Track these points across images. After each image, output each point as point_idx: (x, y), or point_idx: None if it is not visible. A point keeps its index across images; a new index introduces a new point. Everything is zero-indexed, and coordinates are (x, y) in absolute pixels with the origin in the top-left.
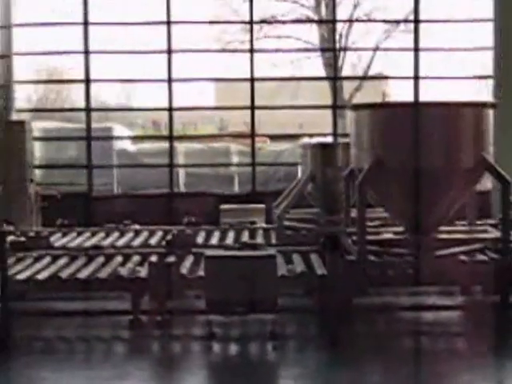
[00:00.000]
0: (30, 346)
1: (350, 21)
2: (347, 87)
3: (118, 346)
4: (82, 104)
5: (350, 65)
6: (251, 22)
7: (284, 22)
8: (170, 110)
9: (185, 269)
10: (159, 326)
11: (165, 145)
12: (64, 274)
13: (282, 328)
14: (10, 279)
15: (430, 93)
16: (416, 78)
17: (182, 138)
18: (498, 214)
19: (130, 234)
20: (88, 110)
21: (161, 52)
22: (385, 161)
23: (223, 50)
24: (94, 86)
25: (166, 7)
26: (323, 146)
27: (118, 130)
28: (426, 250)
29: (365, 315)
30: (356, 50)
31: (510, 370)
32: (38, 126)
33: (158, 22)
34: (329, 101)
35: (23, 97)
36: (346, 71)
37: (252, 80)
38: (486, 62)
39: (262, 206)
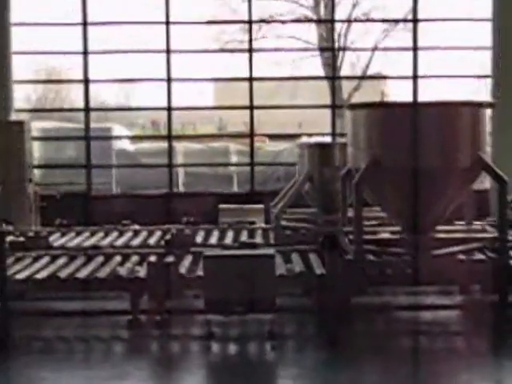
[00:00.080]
0: (29, 345)
1: (349, 20)
2: (346, 87)
3: (117, 345)
4: (81, 104)
5: (348, 64)
6: (250, 22)
7: (283, 22)
8: (169, 109)
9: (184, 268)
10: (158, 325)
11: (164, 144)
12: (63, 274)
13: (281, 328)
14: (9, 279)
15: (429, 92)
16: (415, 77)
17: (181, 137)
18: (496, 214)
19: (129, 234)
20: (87, 109)
21: (160, 52)
22: (382, 160)
23: (222, 50)
24: (93, 86)
25: (164, 7)
26: (320, 145)
27: (117, 129)
28: (423, 249)
29: (363, 315)
30: (355, 49)
31: (508, 369)
32: (37, 126)
33: (157, 22)
34: (328, 100)
35: (22, 97)
36: (344, 71)
37: (251, 80)
38: (484, 62)
39: (261, 205)
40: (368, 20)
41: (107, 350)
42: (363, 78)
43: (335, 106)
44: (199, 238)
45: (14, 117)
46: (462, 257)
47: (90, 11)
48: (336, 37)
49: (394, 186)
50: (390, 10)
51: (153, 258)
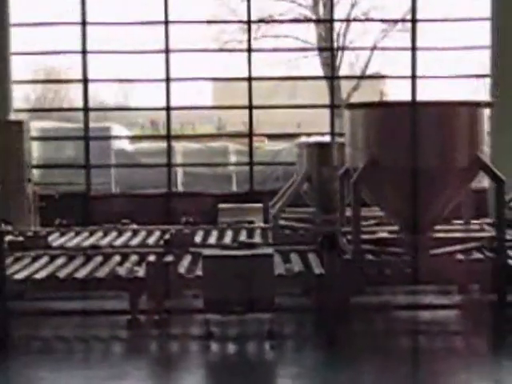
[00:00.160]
0: (28, 345)
1: (348, 20)
2: (345, 86)
3: (116, 345)
4: (80, 103)
5: (347, 64)
6: (249, 22)
7: (282, 22)
8: (168, 109)
9: (183, 268)
10: (157, 325)
11: (163, 144)
12: (62, 274)
13: (280, 327)
14: (8, 279)
15: (428, 92)
16: (413, 77)
17: (180, 137)
18: (494, 213)
19: (128, 234)
20: (86, 109)
21: (159, 52)
22: (379, 160)
23: (221, 50)
24: (92, 86)
25: (163, 7)
26: (319, 145)
27: (116, 129)
28: (421, 248)
29: (362, 314)
30: (354, 49)
31: (507, 368)
32: (36, 126)
33: (156, 22)
34: (327, 100)
35: (21, 96)
36: (343, 70)
37: (250, 79)
38: (483, 61)
39: (260, 205)
40: (367, 20)
41: (106, 349)
42: (362, 77)
43: (334, 106)
44: (198, 238)
45: (13, 117)
46: (459, 256)
47: (88, 11)
48: (335, 36)
49: (391, 186)
50: (388, 10)
51: (152, 258)
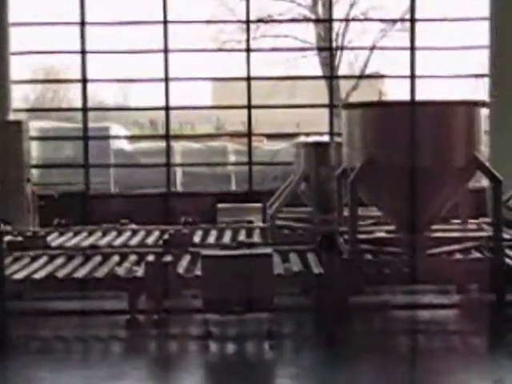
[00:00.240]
0: (28, 345)
1: (347, 20)
2: (344, 86)
3: (115, 345)
4: (79, 103)
5: (346, 64)
6: (248, 22)
7: (281, 21)
8: (167, 109)
9: (182, 268)
10: (156, 325)
11: (162, 144)
12: (61, 274)
13: (279, 327)
14: (7, 279)
15: (427, 91)
16: (412, 76)
17: (179, 137)
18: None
19: (127, 234)
20: (85, 109)
21: (158, 51)
22: (377, 160)
23: (220, 50)
24: (91, 86)
25: (162, 7)
26: (316, 145)
27: (115, 129)
28: (417, 248)
29: (361, 314)
30: (352, 48)
31: (506, 368)
32: (35, 126)
33: (155, 22)
34: (326, 100)
35: (20, 96)
36: (342, 70)
37: (249, 79)
38: (482, 61)
39: (259, 204)
40: (366, 19)
41: (105, 349)
42: (361, 77)
43: (333, 106)
44: (197, 238)
45: (12, 116)
46: (457, 256)
47: (87, 11)
48: (334, 36)
49: (388, 186)
50: (387, 10)
51: (151, 258)
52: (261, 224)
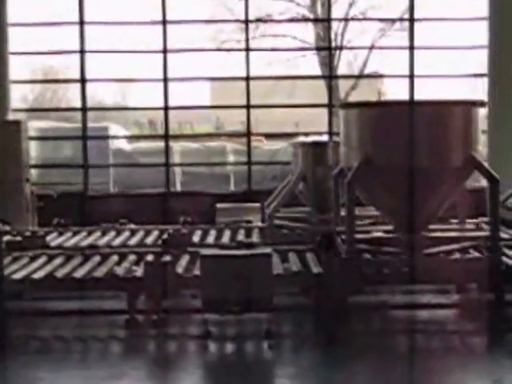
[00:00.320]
0: (27, 345)
1: (346, 19)
2: (343, 86)
3: (114, 345)
4: (78, 103)
5: (345, 63)
6: (247, 21)
7: (279, 21)
8: (166, 109)
9: (181, 268)
10: (155, 325)
11: (161, 144)
12: (60, 274)
13: (278, 327)
14: (6, 279)
15: (426, 91)
16: (411, 76)
17: (178, 137)
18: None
19: (126, 234)
20: (84, 109)
21: (157, 51)
22: (374, 159)
23: (219, 49)
24: (90, 86)
25: (161, 7)
26: (314, 144)
27: (114, 129)
28: (414, 248)
29: (360, 313)
30: (351, 48)
31: (504, 367)
32: (34, 126)
33: (154, 22)
34: (325, 99)
35: (19, 96)
36: (341, 70)
37: (248, 79)
38: (481, 60)
39: (258, 204)
40: (365, 19)
41: (104, 349)
42: (360, 77)
43: (332, 105)
44: (196, 238)
45: (11, 116)
46: (454, 255)
47: (86, 10)
48: (333, 36)
49: (386, 185)
50: (386, 9)
51: (150, 258)
52: (260, 224)
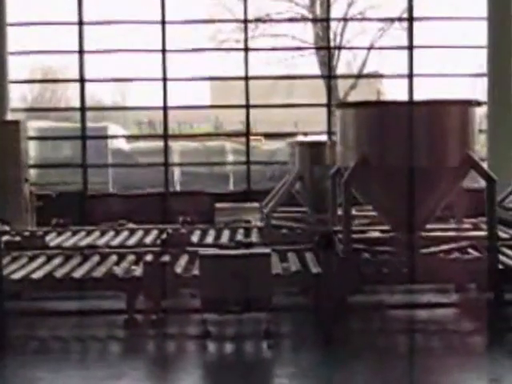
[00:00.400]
0: (26, 345)
1: (345, 19)
2: (342, 85)
3: (113, 345)
4: (77, 103)
5: (344, 63)
6: (246, 21)
7: (279, 21)
8: (165, 108)
9: (180, 268)
10: (154, 325)
11: (160, 144)
12: (59, 274)
13: (277, 326)
14: (5, 279)
15: (425, 90)
16: (410, 75)
17: (177, 136)
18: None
19: (125, 233)
20: (83, 109)
21: (155, 51)
22: (370, 159)
23: (218, 49)
24: (89, 85)
25: (160, 6)
26: (311, 144)
27: (113, 129)
28: (411, 247)
29: (360, 313)
30: (350, 48)
31: (503, 367)
32: (33, 126)
33: (153, 22)
34: (324, 99)
35: (18, 96)
36: (340, 69)
37: (247, 78)
38: (480, 60)
39: (257, 204)
40: (364, 19)
41: (103, 349)
42: (359, 76)
43: (331, 105)
44: (195, 238)
45: (9, 116)
46: (451, 255)
47: (85, 10)
48: (332, 36)
49: (382, 185)
50: (385, 9)
51: (149, 258)
52: (259, 224)
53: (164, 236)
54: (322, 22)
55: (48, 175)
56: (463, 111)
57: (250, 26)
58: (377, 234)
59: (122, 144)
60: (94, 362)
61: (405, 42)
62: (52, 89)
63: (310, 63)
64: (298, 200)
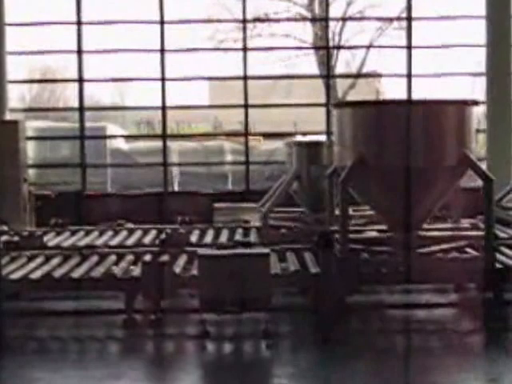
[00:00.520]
0: (24, 345)
1: (344, 19)
2: (341, 85)
3: (111, 345)
4: (75, 102)
5: (343, 63)
6: (244, 21)
7: (277, 20)
8: (164, 108)
9: (178, 268)
10: (153, 325)
11: (158, 143)
12: (57, 274)
13: (276, 326)
14: (4, 279)
15: (424, 90)
16: (409, 75)
17: (175, 136)
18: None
19: (124, 233)
20: (81, 109)
21: (154, 51)
22: (367, 159)
23: (216, 49)
24: (87, 85)
25: (159, 6)
26: (308, 144)
27: (112, 129)
28: (408, 247)
29: (359, 313)
30: (349, 47)
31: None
32: (31, 126)
33: (152, 21)
34: (323, 99)
35: (17, 96)
36: (339, 69)
37: (245, 78)
38: (479, 59)
39: (256, 204)
40: (362, 18)
41: (102, 349)
42: (358, 76)
43: (330, 105)
44: (194, 237)
45: (8, 116)
46: (448, 254)
47: (84, 10)
48: (331, 35)
49: (379, 185)
50: (384, 9)
51: (148, 258)
52: (257, 223)
53: (163, 236)
54: (321, 21)
55: (47, 175)
56: (460, 111)
57: (249, 25)
58: (374, 234)
59: (120, 144)
60: (93, 362)
61: (403, 42)
62: (50, 89)
63: (308, 63)
64: (295, 200)
